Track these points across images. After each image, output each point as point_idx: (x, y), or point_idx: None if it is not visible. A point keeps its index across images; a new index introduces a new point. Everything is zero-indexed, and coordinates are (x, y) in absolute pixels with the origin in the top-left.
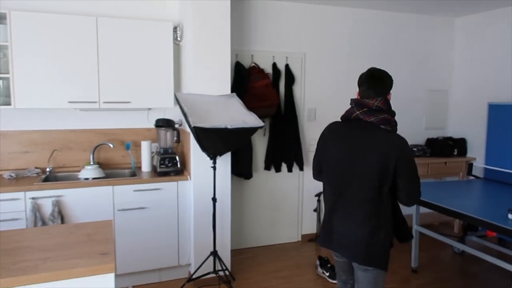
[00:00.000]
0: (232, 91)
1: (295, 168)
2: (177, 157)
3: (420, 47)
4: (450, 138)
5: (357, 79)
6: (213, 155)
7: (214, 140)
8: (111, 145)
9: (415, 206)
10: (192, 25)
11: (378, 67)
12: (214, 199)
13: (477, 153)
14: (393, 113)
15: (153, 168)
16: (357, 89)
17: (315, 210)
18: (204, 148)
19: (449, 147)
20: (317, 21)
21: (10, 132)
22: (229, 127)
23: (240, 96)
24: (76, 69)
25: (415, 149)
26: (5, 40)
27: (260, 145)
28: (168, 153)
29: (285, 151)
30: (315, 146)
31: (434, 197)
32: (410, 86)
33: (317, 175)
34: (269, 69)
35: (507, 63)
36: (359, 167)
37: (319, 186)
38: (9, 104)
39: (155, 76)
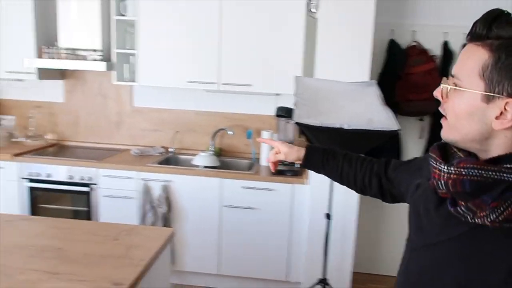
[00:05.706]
0: (380, 78)
1: None
2: None
3: None
4: None
5: None
6: None
7: (325, 142)
8: (230, 133)
9: None
10: None
11: None
12: (328, 216)
13: None
14: None
15: None
16: None
17: None
18: None
19: None
20: None
21: (143, 108)
22: (345, 127)
23: (391, 84)
24: (197, 48)
25: None
26: (134, 15)
27: (413, 150)
28: None
29: None
30: None
31: None
32: None
33: None
34: (436, 51)
35: None
36: None
37: None
38: (134, 81)
39: (282, 57)
